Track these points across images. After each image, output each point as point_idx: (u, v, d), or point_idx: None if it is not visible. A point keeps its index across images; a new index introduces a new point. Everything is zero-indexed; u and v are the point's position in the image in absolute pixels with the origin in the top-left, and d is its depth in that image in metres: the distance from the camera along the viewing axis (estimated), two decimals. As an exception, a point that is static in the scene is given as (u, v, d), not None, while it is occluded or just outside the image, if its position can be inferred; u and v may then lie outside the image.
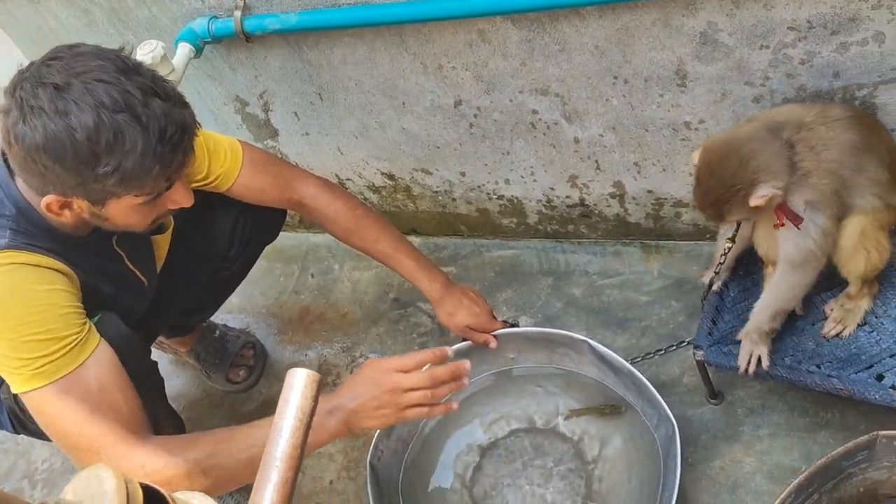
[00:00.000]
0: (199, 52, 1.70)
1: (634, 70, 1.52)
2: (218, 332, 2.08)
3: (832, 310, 1.49)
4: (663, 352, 1.69)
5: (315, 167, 2.06)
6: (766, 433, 1.58)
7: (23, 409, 1.28)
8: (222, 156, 1.52)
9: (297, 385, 0.85)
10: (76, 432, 1.19)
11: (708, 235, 1.86)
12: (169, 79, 1.58)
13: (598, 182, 1.81)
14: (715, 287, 1.60)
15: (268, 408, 1.94)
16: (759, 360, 1.44)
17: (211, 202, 1.61)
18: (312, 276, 2.24)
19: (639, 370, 1.54)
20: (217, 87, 1.95)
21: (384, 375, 1.29)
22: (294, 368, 0.86)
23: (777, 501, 1.25)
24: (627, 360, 1.57)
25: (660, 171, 1.72)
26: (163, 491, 0.61)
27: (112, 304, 1.35)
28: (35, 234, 1.22)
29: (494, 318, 1.69)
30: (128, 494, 0.60)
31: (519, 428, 1.74)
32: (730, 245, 1.52)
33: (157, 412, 1.47)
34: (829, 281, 1.50)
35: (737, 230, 1.49)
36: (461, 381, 1.34)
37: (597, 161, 1.76)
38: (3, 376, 1.23)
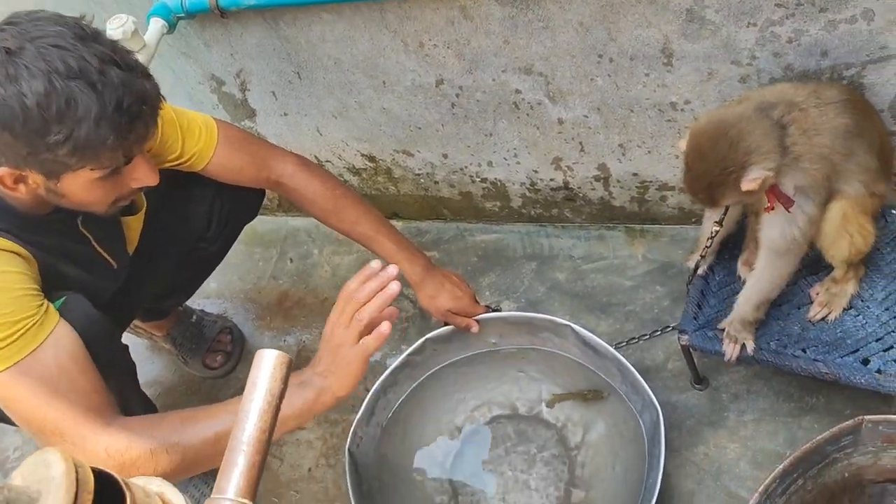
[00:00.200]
0: (172, 27, 1.65)
1: (620, 48, 1.48)
2: (195, 316, 2.03)
3: (818, 294, 1.47)
4: (647, 337, 1.66)
5: (294, 148, 1.99)
6: (751, 418, 1.56)
7: None
8: (196, 134, 1.47)
9: (266, 366, 0.82)
10: (39, 416, 1.15)
11: (693, 220, 1.83)
12: (140, 55, 1.55)
13: (583, 164, 1.78)
14: (700, 271, 1.57)
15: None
16: (744, 346, 1.42)
17: (186, 182, 1.56)
18: (291, 260, 2.19)
19: (623, 355, 1.51)
20: (192, 66, 1.90)
21: (330, 326, 1.25)
22: (263, 349, 0.83)
23: (762, 487, 1.24)
24: (611, 345, 1.54)
25: (645, 153, 1.69)
26: (117, 476, 0.58)
27: (78, 286, 1.30)
28: None
29: (477, 302, 1.66)
30: (77, 479, 0.56)
31: (501, 414, 1.71)
32: (717, 228, 1.48)
33: (128, 397, 1.43)
34: (815, 265, 1.49)
35: (725, 213, 1.46)
36: (389, 290, 1.25)
37: (581, 143, 1.72)
38: None
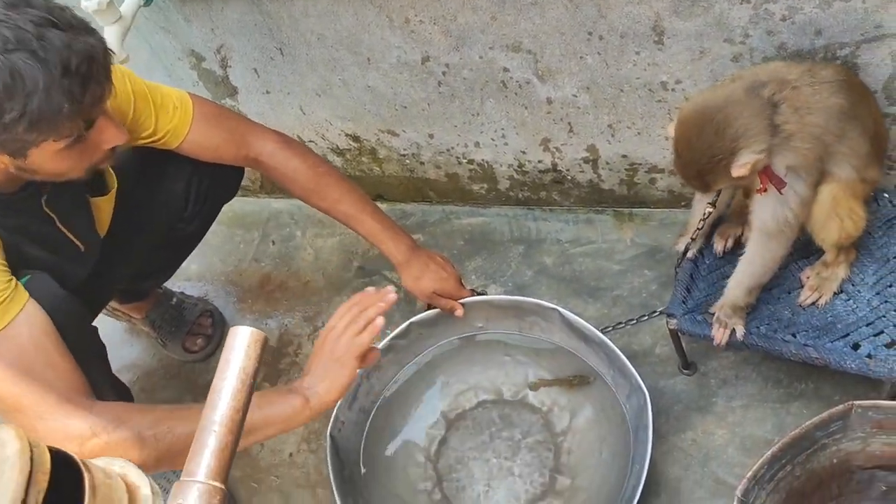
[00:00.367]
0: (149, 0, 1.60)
1: (610, 25, 1.45)
2: (175, 299, 1.99)
3: (808, 278, 1.45)
4: (635, 321, 1.64)
5: (276, 128, 1.93)
6: (740, 404, 1.54)
7: None
8: (171, 110, 1.43)
9: (240, 344, 0.78)
10: (15, 393, 1.10)
11: (683, 203, 1.80)
12: (115, 26, 1.50)
13: (571, 146, 1.75)
14: (690, 254, 1.55)
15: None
16: (734, 331, 1.40)
17: (161, 161, 1.52)
18: (273, 243, 2.15)
19: (610, 340, 1.49)
20: (171, 41, 1.84)
21: (322, 339, 1.30)
22: (237, 326, 0.79)
23: (750, 473, 1.22)
24: (599, 330, 1.51)
25: (634, 134, 1.66)
26: (75, 456, 0.54)
27: (43, 269, 1.26)
28: None
29: (462, 285, 1.63)
30: (32, 459, 0.53)
31: (486, 399, 1.68)
32: (710, 210, 1.45)
33: (99, 383, 1.38)
34: (806, 249, 1.47)
35: (718, 195, 1.44)
36: (388, 297, 1.34)
37: (570, 123, 1.69)
38: None
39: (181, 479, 0.71)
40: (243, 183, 2.16)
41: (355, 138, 1.96)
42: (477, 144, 1.84)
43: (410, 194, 2.08)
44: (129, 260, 1.61)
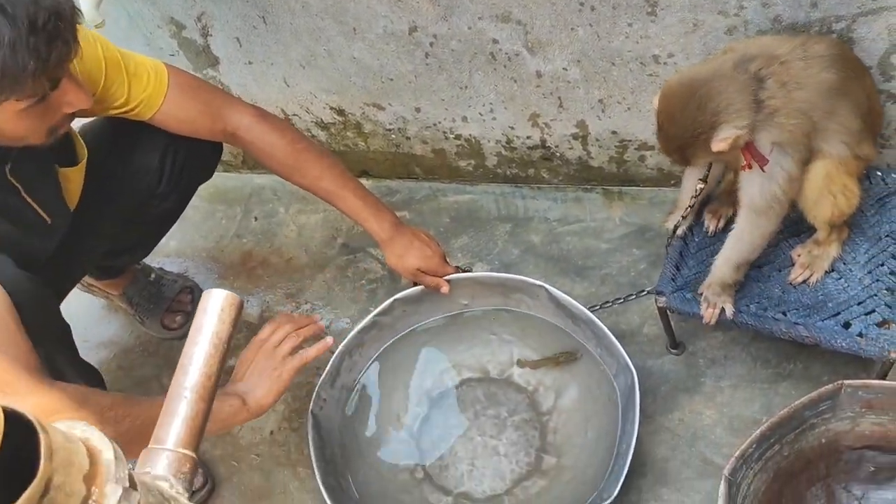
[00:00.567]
0: (127, -38, 1.55)
1: (602, -5, 1.41)
2: (153, 275, 1.94)
3: (799, 255, 1.43)
4: (622, 300, 1.61)
5: (260, 101, 1.91)
6: (728, 384, 1.52)
7: None
8: (144, 80, 1.38)
9: (213, 308, 0.74)
10: None
11: (673, 182, 1.78)
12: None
13: (561, 121, 1.71)
14: (680, 231, 1.52)
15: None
16: (723, 310, 1.37)
17: (135, 132, 1.47)
18: (256, 219, 2.11)
19: (598, 319, 1.46)
20: (149, 7, 1.79)
21: (253, 348, 1.36)
22: (211, 289, 0.75)
23: (738, 452, 1.21)
24: (586, 308, 1.48)
25: (625, 109, 1.63)
26: (31, 417, 0.50)
27: (6, 242, 1.21)
28: None
29: (447, 262, 1.59)
30: (-19, 420, 0.49)
31: (471, 377, 1.65)
32: (701, 186, 1.43)
33: (62, 366, 1.34)
34: (798, 226, 1.44)
35: (708, 170, 1.41)
36: (318, 324, 1.44)
37: (560, 98, 1.65)
38: None
39: (149, 446, 0.68)
40: (225, 158, 2.12)
41: (340, 112, 1.91)
42: (464, 119, 1.80)
43: (396, 170, 2.04)
44: (100, 235, 1.56)
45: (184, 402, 0.69)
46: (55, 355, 1.29)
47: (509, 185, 1.96)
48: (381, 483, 1.53)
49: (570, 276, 1.76)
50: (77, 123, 1.38)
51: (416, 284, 1.59)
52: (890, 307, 1.32)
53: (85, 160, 1.41)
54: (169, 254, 2.08)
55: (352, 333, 1.57)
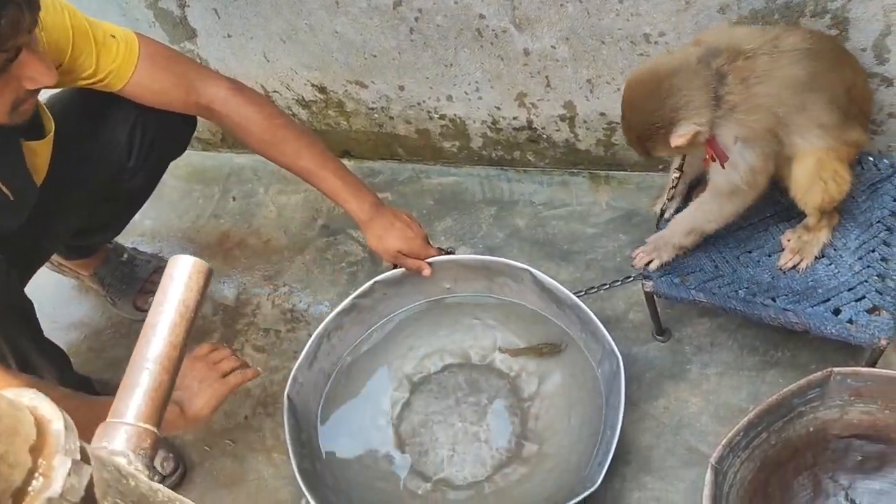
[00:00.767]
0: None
1: (593, -30, 1.37)
2: (126, 255, 1.88)
3: (789, 241, 1.40)
4: (608, 286, 1.58)
5: (238, 76, 1.85)
6: (714, 372, 1.50)
7: None
8: (114, 50, 1.32)
9: (180, 274, 0.69)
10: None
11: (661, 167, 1.74)
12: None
13: (548, 102, 1.67)
14: (667, 215, 1.49)
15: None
16: (652, 262, 1.39)
17: (104, 105, 1.41)
18: (234, 199, 2.05)
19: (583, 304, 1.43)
20: (125, -24, 1.73)
21: (191, 361, 1.35)
22: (177, 255, 0.70)
23: (725, 440, 1.18)
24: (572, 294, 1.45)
25: (614, 90, 1.59)
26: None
27: None
28: None
29: (429, 244, 1.55)
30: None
31: (453, 363, 1.61)
32: (677, 174, 1.43)
33: (24, 346, 1.28)
34: (788, 211, 1.41)
35: (683, 160, 1.41)
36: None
37: (547, 77, 1.61)
38: None
39: (108, 420, 0.63)
40: (204, 136, 2.07)
41: (322, 89, 1.86)
42: (449, 98, 1.75)
43: (379, 151, 1.99)
44: (69, 213, 1.50)
45: (146, 373, 0.64)
46: (17, 335, 1.23)
47: (494, 168, 1.92)
48: (359, 469, 1.49)
49: (556, 261, 1.72)
50: (44, 94, 1.32)
51: (397, 267, 1.55)
52: (880, 293, 1.29)
53: (52, 133, 1.35)
54: (143, 233, 2.02)
55: (330, 316, 1.53)
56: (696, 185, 1.50)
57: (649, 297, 1.46)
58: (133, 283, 1.86)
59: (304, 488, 1.32)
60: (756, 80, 1.18)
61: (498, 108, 1.74)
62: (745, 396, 1.46)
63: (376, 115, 1.88)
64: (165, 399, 0.65)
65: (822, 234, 1.38)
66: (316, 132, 1.93)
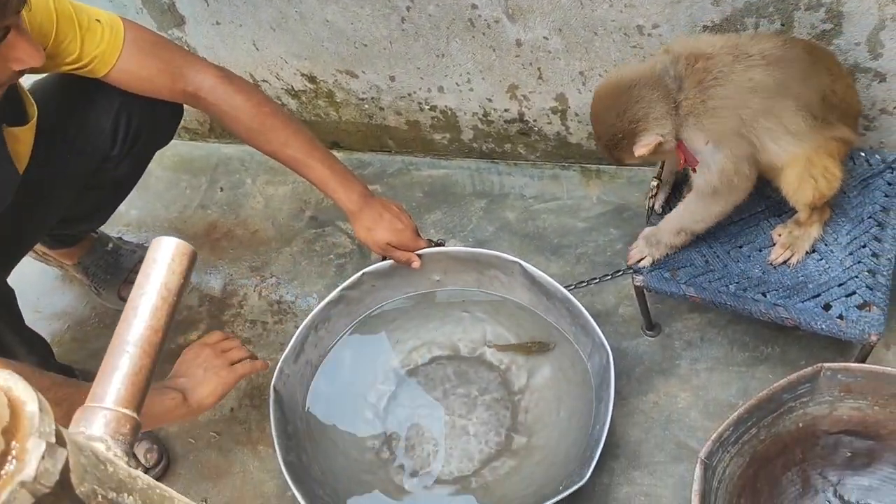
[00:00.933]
0: None
1: (587, -40, 1.36)
2: (111, 244, 1.86)
3: (780, 235, 1.39)
4: (597, 280, 1.57)
5: (227, 65, 1.82)
6: (704, 367, 1.49)
7: None
8: (98, 34, 1.30)
9: (163, 257, 0.68)
10: None
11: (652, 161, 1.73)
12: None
13: (540, 94, 1.66)
14: (657, 207, 1.48)
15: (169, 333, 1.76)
16: (644, 260, 1.39)
17: (89, 91, 1.39)
18: (222, 189, 2.03)
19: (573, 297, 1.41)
20: (113, -40, 1.70)
21: (200, 347, 1.34)
22: (160, 237, 0.68)
23: (715, 435, 1.17)
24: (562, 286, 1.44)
25: (607, 83, 1.58)
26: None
27: None
28: None
29: (419, 235, 1.53)
30: None
31: (441, 355, 1.60)
32: (656, 183, 1.45)
33: (5, 337, 1.26)
34: (779, 206, 1.41)
35: (661, 168, 1.43)
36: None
37: (539, 69, 1.60)
38: None
39: (86, 404, 0.61)
40: (192, 126, 2.04)
41: (311, 79, 1.84)
42: (440, 89, 1.74)
43: (368, 143, 1.98)
44: (51, 201, 1.47)
45: (126, 356, 0.63)
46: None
47: (485, 161, 1.90)
48: (346, 462, 1.47)
49: (546, 255, 1.71)
50: (27, 80, 1.30)
51: (385, 259, 1.53)
52: (871, 289, 1.29)
53: (35, 119, 1.33)
54: (129, 223, 2.00)
55: (318, 307, 1.51)
56: (687, 180, 1.49)
57: (640, 291, 1.45)
58: (118, 272, 1.83)
59: (289, 481, 1.30)
60: (712, 83, 1.20)
61: (489, 100, 1.72)
62: (734, 392, 1.45)
63: (366, 106, 1.86)
64: (146, 384, 0.64)
65: (812, 229, 1.37)
66: (305, 123, 1.90)
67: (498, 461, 1.45)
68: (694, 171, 1.27)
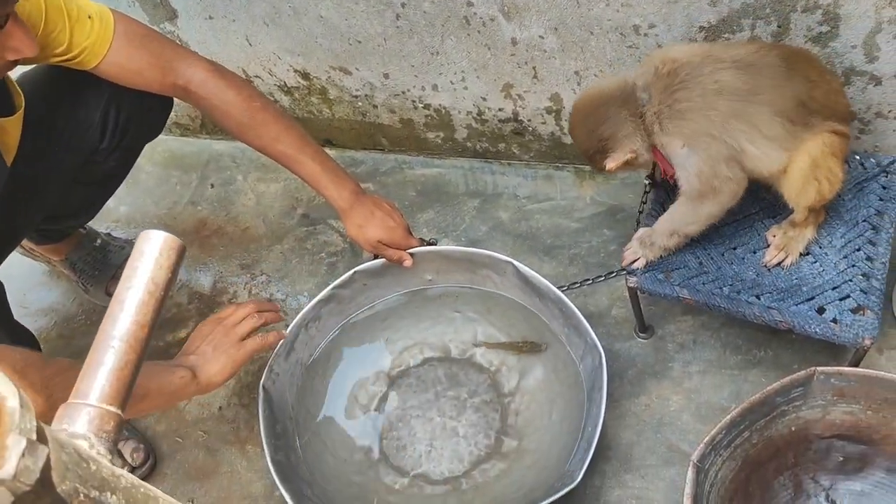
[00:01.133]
0: None
1: (584, -42, 1.35)
2: (99, 240, 1.83)
3: (774, 236, 1.39)
4: (590, 281, 1.56)
5: (220, 60, 1.78)
6: (697, 370, 1.48)
7: None
8: (88, 26, 1.28)
9: (151, 250, 0.66)
10: None
11: (646, 162, 1.73)
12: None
13: (535, 93, 1.65)
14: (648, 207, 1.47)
15: (157, 330, 1.74)
16: (638, 261, 1.38)
17: (78, 83, 1.37)
18: (212, 186, 2.01)
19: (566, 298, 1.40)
20: (105, -48, 1.68)
21: (212, 323, 1.32)
22: (148, 230, 0.67)
23: (707, 438, 1.16)
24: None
25: (602, 83, 1.57)
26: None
27: None
28: None
29: (411, 234, 1.51)
30: None
31: (433, 356, 1.59)
32: (648, 182, 1.45)
33: None
34: (773, 208, 1.40)
35: (654, 168, 1.41)
36: (279, 313, 1.42)
37: (534, 68, 1.59)
38: None
39: (69, 400, 0.59)
40: (183, 122, 2.02)
41: (305, 75, 1.82)
42: (435, 87, 1.72)
43: (361, 140, 1.96)
44: (39, 195, 1.45)
45: (111, 351, 0.61)
46: None
47: (479, 160, 1.89)
48: (335, 462, 1.46)
49: (538, 255, 1.70)
50: (14, 72, 1.28)
51: (377, 257, 1.52)
52: (865, 293, 1.28)
53: (22, 110, 1.31)
54: (118, 219, 1.98)
55: (309, 306, 1.49)
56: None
57: (633, 293, 1.44)
58: (106, 269, 1.81)
59: (277, 481, 1.28)
60: (679, 86, 1.21)
61: (484, 99, 1.71)
62: (726, 395, 1.45)
63: (360, 104, 1.85)
64: (131, 380, 0.62)
65: (807, 230, 1.37)
66: (298, 120, 1.89)
67: (488, 463, 1.44)
68: (671, 179, 1.29)
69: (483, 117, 1.76)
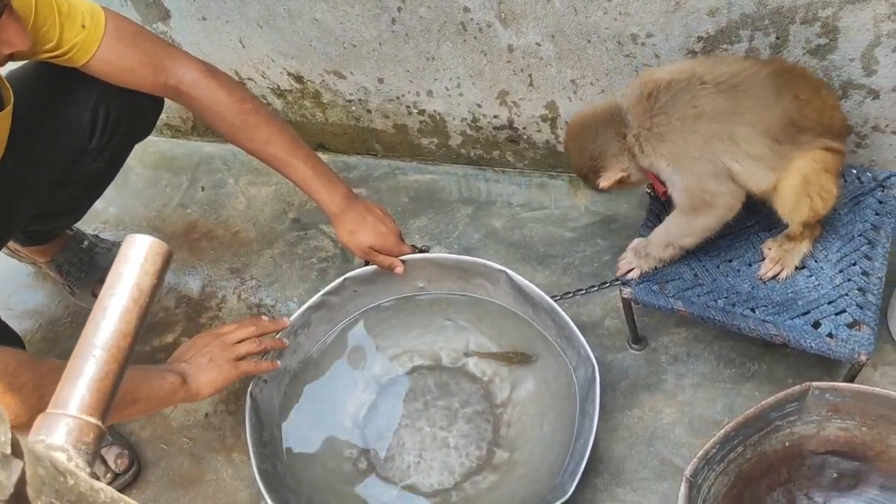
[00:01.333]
0: None
1: (583, -34, 1.34)
2: (86, 242, 1.81)
3: (770, 249, 1.38)
4: (584, 291, 1.55)
5: (213, 62, 1.77)
6: (690, 383, 1.47)
7: None
8: (79, 22, 1.26)
9: (136, 255, 0.64)
10: None
11: (641, 172, 1.72)
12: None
13: (530, 101, 1.64)
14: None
15: (144, 335, 1.71)
16: (632, 272, 1.38)
17: (68, 81, 1.34)
18: (203, 188, 1.98)
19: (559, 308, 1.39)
20: (97, -50, 1.66)
21: (210, 336, 1.32)
22: (133, 234, 0.65)
23: (701, 452, 1.15)
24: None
25: (598, 92, 1.56)
26: None
27: None
28: None
29: (403, 240, 1.50)
30: None
31: (423, 365, 1.57)
32: (648, 192, 1.45)
33: None
34: (769, 221, 1.39)
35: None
36: (282, 340, 1.41)
37: (530, 75, 1.58)
38: None
39: (48, 410, 0.57)
40: (174, 123, 2.00)
41: (298, 78, 1.80)
42: (429, 93, 1.71)
43: (354, 145, 1.94)
44: (26, 194, 1.42)
45: (92, 360, 0.59)
46: None
47: (472, 167, 1.87)
48: (322, 472, 1.43)
49: (532, 264, 1.68)
50: (3, 68, 1.26)
51: (368, 263, 1.50)
52: (861, 308, 1.27)
53: (10, 106, 1.28)
54: (106, 221, 1.95)
55: (298, 312, 1.47)
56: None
57: (627, 303, 1.42)
58: (93, 271, 1.78)
59: (263, 490, 1.26)
60: (658, 111, 1.21)
61: (479, 106, 1.70)
62: (720, 409, 1.43)
63: (353, 108, 1.83)
64: (113, 390, 0.60)
65: (803, 244, 1.36)
66: (290, 123, 1.86)
67: (479, 475, 1.42)
68: (664, 196, 1.31)
69: (478, 124, 1.75)
